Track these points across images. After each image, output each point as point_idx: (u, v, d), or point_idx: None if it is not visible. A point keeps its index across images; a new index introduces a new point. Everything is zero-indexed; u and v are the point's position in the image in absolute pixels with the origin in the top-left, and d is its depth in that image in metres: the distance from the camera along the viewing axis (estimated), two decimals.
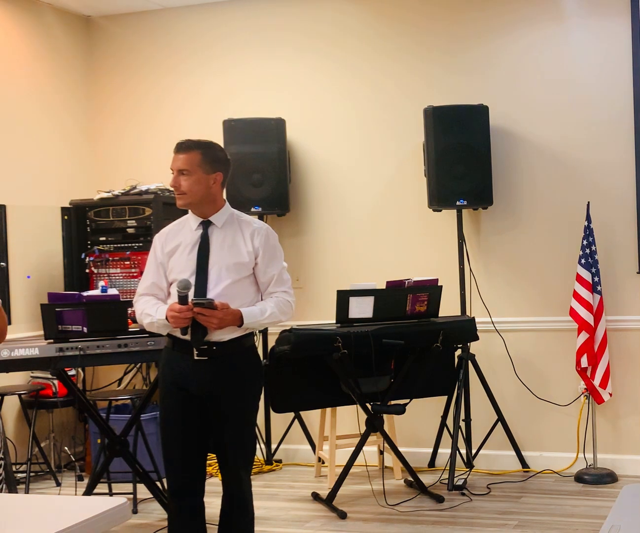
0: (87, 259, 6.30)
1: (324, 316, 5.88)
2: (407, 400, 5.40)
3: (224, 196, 3.83)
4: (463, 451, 5.88)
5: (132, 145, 6.77)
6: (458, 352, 5.82)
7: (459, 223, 5.90)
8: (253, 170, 6.08)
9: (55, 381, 6.07)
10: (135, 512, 5.32)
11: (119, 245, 6.26)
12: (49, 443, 6.23)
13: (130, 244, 6.23)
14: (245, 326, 3.65)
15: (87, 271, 6.31)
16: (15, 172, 6.20)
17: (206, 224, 3.73)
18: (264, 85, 6.44)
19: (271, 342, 5.76)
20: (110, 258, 6.26)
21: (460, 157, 5.74)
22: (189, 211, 3.79)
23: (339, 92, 6.33)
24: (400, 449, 5.60)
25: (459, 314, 5.90)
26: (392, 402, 5.42)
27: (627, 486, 2.39)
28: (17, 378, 6.07)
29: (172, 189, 3.77)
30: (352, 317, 5.39)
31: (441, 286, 5.59)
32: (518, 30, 5.94)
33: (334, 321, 5.42)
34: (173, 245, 3.74)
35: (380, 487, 5.37)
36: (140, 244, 6.17)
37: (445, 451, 5.84)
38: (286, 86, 6.41)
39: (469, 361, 5.79)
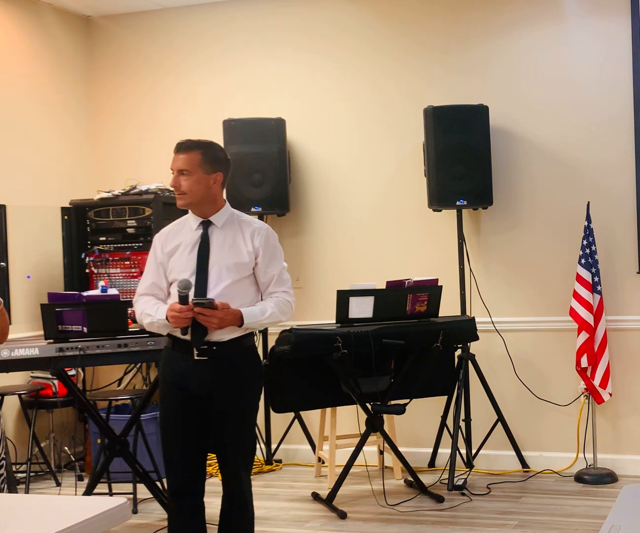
0: (87, 259, 6.30)
1: (324, 316, 5.88)
2: (407, 400, 5.40)
3: (224, 196, 3.83)
4: (463, 451, 5.88)
5: (132, 145, 6.77)
6: (458, 352, 5.82)
7: (459, 223, 5.90)
8: (253, 170, 6.08)
9: (55, 381, 6.07)
10: (135, 512, 5.32)
11: (119, 245, 6.26)
12: (49, 443, 6.23)
13: (130, 244, 6.23)
14: (246, 326, 3.65)
15: (87, 271, 6.31)
16: (15, 172, 6.21)
17: (206, 224, 3.73)
18: (264, 85, 6.44)
19: (271, 342, 5.76)
20: (110, 258, 6.26)
21: (460, 157, 5.74)
22: (189, 211, 3.79)
23: (339, 92, 6.33)
24: (400, 449, 5.60)
25: (459, 314, 5.90)
26: (392, 402, 5.42)
27: (627, 486, 2.39)
28: (17, 378, 6.07)
29: (172, 189, 3.77)
30: (352, 317, 5.39)
31: (441, 286, 5.59)
32: (518, 30, 5.94)
33: (334, 321, 5.42)
34: (173, 245, 3.74)
35: (380, 487, 5.37)
36: (140, 244, 6.18)
37: (445, 451, 5.84)
38: (286, 86, 6.41)
39: (469, 361, 5.79)
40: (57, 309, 4.64)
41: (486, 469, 5.93)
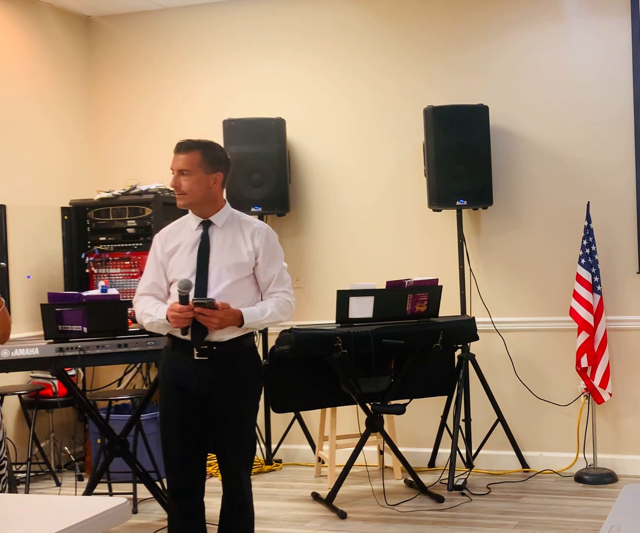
0: (87, 259, 6.30)
1: (324, 316, 5.88)
2: (407, 400, 5.40)
3: (224, 196, 3.83)
4: (463, 451, 5.88)
5: (132, 145, 6.77)
6: (458, 352, 5.82)
7: (459, 223, 5.90)
8: (253, 170, 6.08)
9: (55, 381, 6.07)
10: (135, 512, 5.32)
11: (119, 245, 6.26)
12: (49, 443, 6.23)
13: (130, 244, 6.23)
14: (246, 326, 3.65)
15: (87, 271, 6.31)
16: (15, 172, 6.21)
17: (206, 224, 3.73)
18: (264, 85, 6.44)
19: (271, 342, 5.76)
20: (110, 258, 6.26)
21: (460, 157, 5.74)
22: (189, 211, 3.79)
23: (339, 92, 6.33)
24: (400, 449, 5.60)
25: (459, 314, 5.90)
26: (392, 402, 5.42)
27: (627, 486, 2.39)
28: (17, 378, 6.07)
29: (172, 189, 3.77)
30: (352, 317, 5.39)
31: (441, 286, 5.59)
32: (518, 30, 5.94)
33: (334, 321, 5.42)
34: (173, 245, 3.74)
35: (380, 487, 5.37)
36: (140, 244, 6.18)
37: (445, 451, 5.84)
38: (286, 86, 6.41)
39: (469, 361, 5.79)
40: (57, 309, 4.64)
41: (486, 469, 5.93)
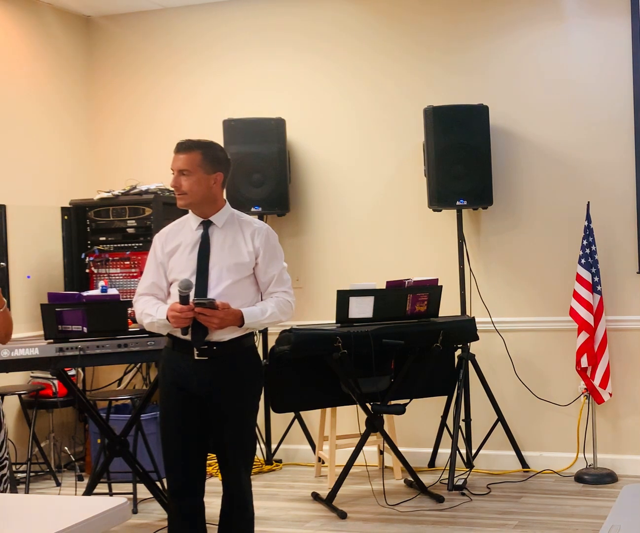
0: (87, 259, 6.30)
1: (324, 316, 5.88)
2: (407, 400, 5.40)
3: (224, 196, 3.83)
4: (463, 451, 5.88)
5: (132, 145, 6.77)
6: (458, 352, 5.82)
7: (459, 223, 5.90)
8: (253, 170, 6.08)
9: (55, 381, 6.07)
10: (135, 512, 5.32)
11: (119, 245, 6.26)
12: (49, 443, 6.23)
13: (130, 244, 6.23)
14: (246, 326, 3.65)
15: (87, 271, 6.31)
16: (15, 172, 6.21)
17: (207, 224, 3.73)
18: (264, 85, 6.45)
19: (271, 342, 5.76)
20: (110, 258, 6.26)
21: (460, 157, 5.74)
22: (189, 211, 3.79)
23: (339, 92, 6.33)
24: (400, 449, 5.60)
25: (459, 314, 5.90)
26: (392, 402, 5.42)
27: (627, 486, 2.39)
28: (17, 378, 6.07)
29: (172, 189, 3.77)
30: (352, 317, 5.39)
31: (441, 286, 5.59)
32: (518, 30, 5.94)
33: (334, 321, 5.42)
34: (173, 245, 3.74)
35: (380, 487, 5.37)
36: (140, 244, 6.18)
37: (445, 451, 5.84)
38: (286, 86, 6.41)
39: (469, 361, 5.79)
40: (57, 309, 4.64)
41: (486, 469, 5.93)
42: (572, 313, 5.61)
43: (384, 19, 6.21)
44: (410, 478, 5.51)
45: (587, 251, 5.58)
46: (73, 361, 4.65)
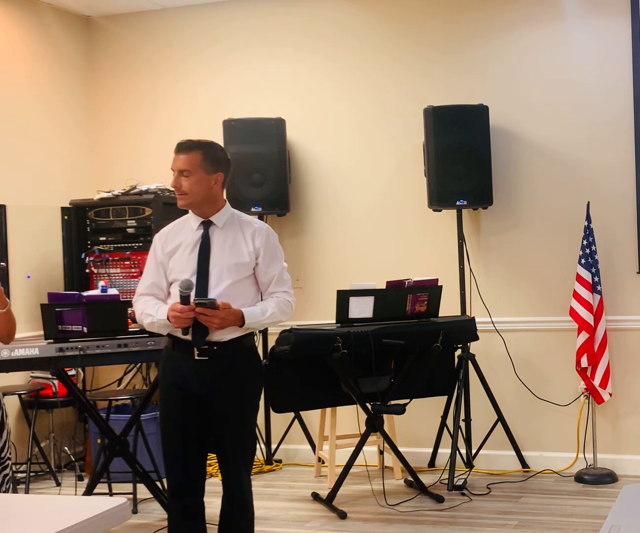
0: (87, 259, 6.30)
1: (324, 316, 5.88)
2: (407, 400, 5.40)
3: (224, 196, 3.83)
4: (463, 451, 5.88)
5: (132, 145, 6.77)
6: (458, 352, 5.82)
7: (459, 223, 5.90)
8: (253, 170, 6.08)
9: (55, 381, 6.07)
10: (135, 512, 5.32)
11: (119, 245, 6.26)
12: (49, 443, 6.23)
13: (130, 244, 6.23)
14: (247, 326, 3.65)
15: (87, 271, 6.31)
16: (15, 172, 6.21)
17: (207, 225, 3.73)
18: (264, 85, 6.44)
19: (271, 342, 5.76)
20: (110, 258, 6.26)
21: (460, 157, 5.74)
22: (189, 211, 3.79)
23: (339, 92, 6.33)
24: (400, 449, 5.60)
25: (459, 314, 5.90)
26: (392, 402, 5.42)
27: (627, 486, 2.39)
28: (17, 378, 6.07)
29: (172, 189, 3.77)
30: (352, 317, 5.39)
31: (441, 286, 5.59)
32: (518, 30, 5.94)
33: (334, 321, 5.42)
34: (173, 245, 3.74)
35: (380, 487, 5.37)
36: (140, 244, 6.18)
37: (445, 451, 5.84)
38: (286, 86, 6.41)
39: (469, 361, 5.79)
40: (57, 309, 4.64)
41: (486, 469, 5.93)
42: (572, 313, 5.62)
43: (384, 19, 6.21)
44: (410, 478, 5.51)
45: (587, 251, 5.58)
46: (73, 361, 4.65)
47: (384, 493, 5.32)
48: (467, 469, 5.83)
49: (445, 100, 5.86)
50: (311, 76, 6.37)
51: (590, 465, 5.69)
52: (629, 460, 5.73)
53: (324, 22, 6.33)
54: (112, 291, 5.06)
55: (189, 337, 3.63)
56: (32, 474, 5.86)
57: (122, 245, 6.25)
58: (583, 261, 5.59)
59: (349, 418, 5.77)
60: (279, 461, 6.34)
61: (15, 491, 4.87)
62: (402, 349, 5.32)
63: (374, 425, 5.39)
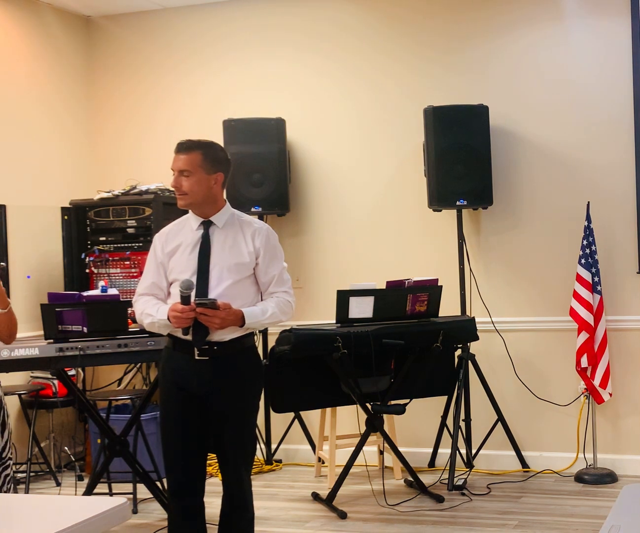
0: (87, 259, 6.30)
1: (324, 316, 5.88)
2: (407, 400, 5.40)
3: (224, 196, 3.83)
4: (463, 451, 5.88)
5: (132, 145, 6.77)
6: (458, 352, 5.82)
7: (459, 223, 5.90)
8: (253, 170, 6.08)
9: (55, 381, 6.07)
10: (135, 512, 5.32)
11: (119, 245, 6.26)
12: (49, 443, 6.23)
13: (130, 244, 6.23)
14: (247, 326, 3.65)
15: (87, 271, 6.31)
16: (15, 172, 6.21)
17: (207, 225, 3.73)
18: (264, 85, 6.44)
19: (271, 342, 5.76)
20: (110, 258, 6.26)
21: (460, 157, 5.74)
22: (189, 211, 3.79)
23: (339, 92, 6.33)
24: (400, 449, 5.60)
25: (459, 314, 5.91)
26: (392, 402, 5.42)
27: (627, 486, 2.39)
28: (17, 378, 6.07)
29: (172, 189, 3.77)
30: (352, 317, 5.39)
31: (441, 286, 5.59)
32: (518, 30, 5.94)
33: (334, 321, 5.42)
34: (174, 245, 3.74)
35: (380, 487, 5.37)
36: (140, 244, 6.18)
37: (445, 451, 5.84)
38: (286, 86, 6.41)
39: (469, 361, 5.79)
40: (57, 309, 4.64)
41: (486, 469, 5.93)
42: (572, 313, 5.62)
43: (384, 19, 6.21)
44: (410, 478, 5.51)
45: (587, 251, 5.58)
46: (73, 361, 4.65)
47: (384, 493, 5.32)
48: (467, 469, 5.83)
49: (445, 100, 5.86)
50: (311, 76, 6.37)
51: (590, 465, 5.69)
52: (629, 460, 5.73)
53: (324, 22, 6.33)
54: (112, 291, 5.06)
55: (189, 337, 3.63)
56: (32, 474, 5.86)
57: (122, 245, 6.25)
58: (583, 261, 5.59)
59: (349, 418, 5.77)
60: (279, 461, 6.34)
61: (15, 491, 4.85)
62: (402, 349, 5.32)
63: (374, 425, 5.39)
